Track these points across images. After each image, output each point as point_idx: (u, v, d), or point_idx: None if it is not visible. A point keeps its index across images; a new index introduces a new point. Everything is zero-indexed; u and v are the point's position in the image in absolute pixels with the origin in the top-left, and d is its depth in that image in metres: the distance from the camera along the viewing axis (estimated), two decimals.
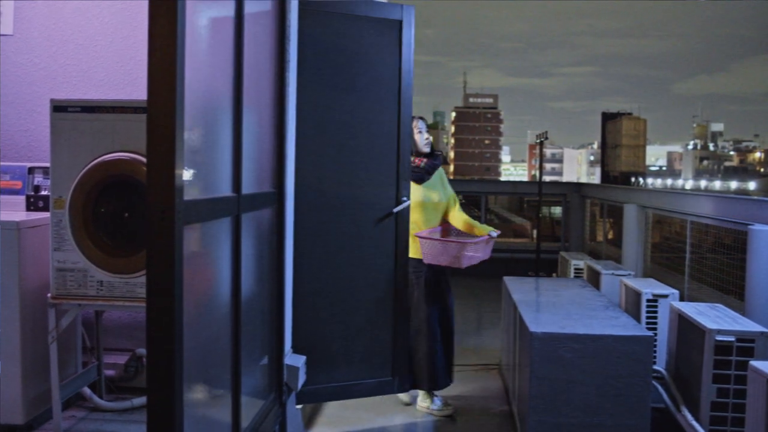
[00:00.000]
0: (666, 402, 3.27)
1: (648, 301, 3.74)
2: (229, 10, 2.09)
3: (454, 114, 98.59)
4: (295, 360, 2.84)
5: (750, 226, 3.59)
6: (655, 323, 3.73)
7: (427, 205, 3.48)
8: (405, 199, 3.27)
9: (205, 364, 1.98)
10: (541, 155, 7.24)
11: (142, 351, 3.39)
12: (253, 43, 2.32)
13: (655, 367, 3.48)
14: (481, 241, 3.33)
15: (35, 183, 3.24)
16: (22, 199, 3.17)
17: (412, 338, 3.38)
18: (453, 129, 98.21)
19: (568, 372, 2.77)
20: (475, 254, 3.32)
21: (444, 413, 3.43)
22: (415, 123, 3.50)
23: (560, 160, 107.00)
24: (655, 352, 3.59)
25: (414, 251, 3.36)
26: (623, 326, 2.90)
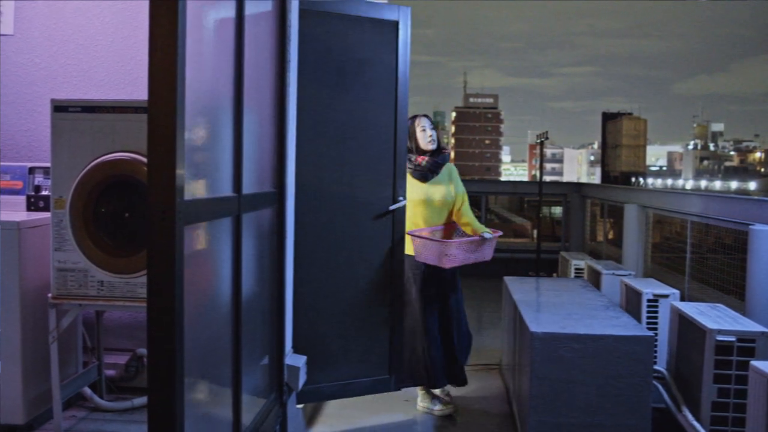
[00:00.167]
0: (667, 402, 3.27)
1: (648, 301, 3.74)
2: (230, 11, 2.09)
3: (454, 114, 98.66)
4: (295, 360, 2.84)
5: (750, 226, 3.58)
6: (656, 323, 3.73)
7: (429, 204, 3.46)
8: (401, 198, 3.28)
9: (205, 363, 1.98)
10: (542, 155, 7.24)
11: (143, 351, 3.39)
12: (253, 44, 2.32)
13: (656, 367, 3.48)
14: (465, 241, 3.28)
15: (36, 183, 3.24)
16: (22, 199, 3.17)
17: (407, 336, 3.37)
18: (453, 129, 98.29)
19: (568, 372, 2.77)
20: (459, 255, 3.22)
21: (444, 413, 3.42)
22: (417, 121, 3.50)
23: (560, 160, 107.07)
24: (655, 352, 3.59)
25: (412, 249, 3.36)
26: (624, 326, 2.90)
